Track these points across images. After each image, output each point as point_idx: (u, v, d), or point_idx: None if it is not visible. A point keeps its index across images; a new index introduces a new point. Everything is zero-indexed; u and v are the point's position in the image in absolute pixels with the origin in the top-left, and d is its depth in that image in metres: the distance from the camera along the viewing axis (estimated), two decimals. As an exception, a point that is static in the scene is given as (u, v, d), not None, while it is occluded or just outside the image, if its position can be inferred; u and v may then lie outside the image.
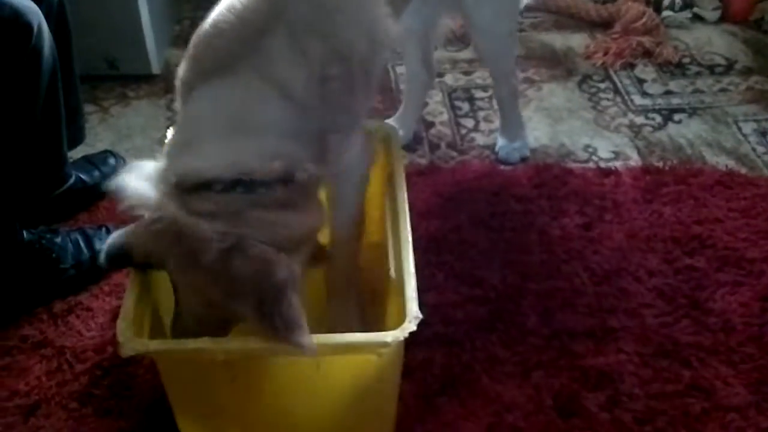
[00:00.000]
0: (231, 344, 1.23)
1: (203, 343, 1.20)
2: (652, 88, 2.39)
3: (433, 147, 2.18)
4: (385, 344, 1.22)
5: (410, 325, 1.23)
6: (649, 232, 1.86)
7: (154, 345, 1.24)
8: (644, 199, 1.96)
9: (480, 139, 2.21)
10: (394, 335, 1.22)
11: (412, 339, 1.22)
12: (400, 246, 1.38)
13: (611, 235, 1.86)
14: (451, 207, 1.95)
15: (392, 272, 1.39)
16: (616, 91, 2.38)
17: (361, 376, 1.29)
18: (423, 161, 2.13)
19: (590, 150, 2.16)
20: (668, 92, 2.37)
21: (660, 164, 2.08)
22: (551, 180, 2.03)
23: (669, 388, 1.53)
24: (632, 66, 2.49)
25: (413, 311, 1.25)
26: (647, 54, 2.52)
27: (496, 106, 2.32)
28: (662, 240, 1.84)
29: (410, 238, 1.38)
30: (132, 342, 1.20)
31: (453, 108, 2.33)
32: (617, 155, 2.13)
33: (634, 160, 2.11)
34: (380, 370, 1.29)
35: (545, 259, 1.80)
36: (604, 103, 2.34)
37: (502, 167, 2.09)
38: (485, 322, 1.66)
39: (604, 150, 2.15)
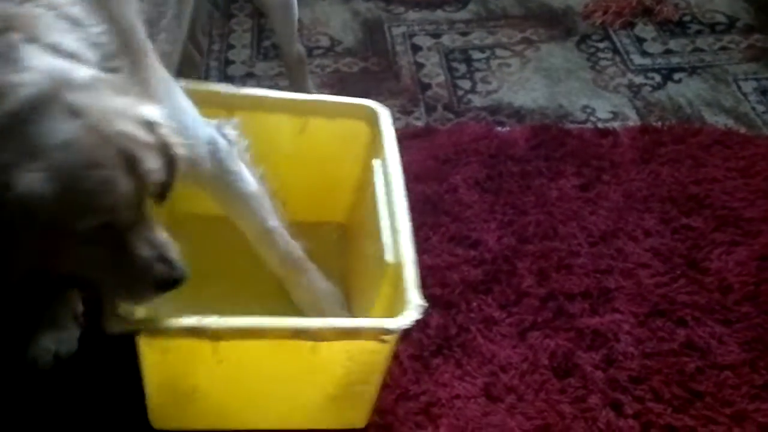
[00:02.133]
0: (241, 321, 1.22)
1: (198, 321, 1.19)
2: (652, 48, 2.37)
3: (430, 109, 2.17)
4: (388, 331, 1.23)
5: (414, 314, 1.24)
6: (646, 193, 1.86)
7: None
8: (642, 159, 1.95)
9: (477, 100, 2.19)
10: (398, 323, 1.23)
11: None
12: (398, 232, 1.37)
13: (608, 195, 1.85)
14: (447, 169, 1.94)
15: (389, 256, 1.37)
16: (615, 51, 2.35)
17: (355, 360, 1.29)
18: (419, 123, 2.11)
19: (588, 110, 2.14)
20: (668, 51, 2.35)
21: (658, 124, 2.06)
22: (549, 141, 2.01)
23: (664, 347, 1.53)
24: (632, 25, 2.46)
25: (417, 299, 1.26)
26: (647, 12, 2.49)
27: (493, 68, 2.30)
28: (659, 200, 1.83)
29: (409, 226, 1.38)
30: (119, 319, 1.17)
31: (450, 69, 2.31)
32: (616, 116, 2.12)
33: (633, 121, 2.09)
34: (376, 354, 1.29)
35: (542, 220, 1.79)
36: (603, 63, 2.31)
37: (498, 129, 2.07)
38: (481, 283, 1.66)
39: (602, 110, 2.14)
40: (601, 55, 2.34)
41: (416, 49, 2.39)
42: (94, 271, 1.10)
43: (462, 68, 2.31)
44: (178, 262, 1.11)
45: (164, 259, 1.10)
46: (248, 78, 2.30)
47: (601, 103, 2.16)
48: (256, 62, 2.36)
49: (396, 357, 1.42)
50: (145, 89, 1.18)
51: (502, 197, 1.85)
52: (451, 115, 2.14)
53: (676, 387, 1.46)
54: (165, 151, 1.09)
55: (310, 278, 1.52)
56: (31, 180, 0.94)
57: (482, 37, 2.41)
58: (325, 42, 2.43)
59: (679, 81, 2.23)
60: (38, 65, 0.99)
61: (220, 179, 1.40)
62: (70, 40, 1.06)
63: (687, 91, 2.19)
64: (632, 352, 1.52)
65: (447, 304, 1.61)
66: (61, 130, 0.97)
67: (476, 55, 2.36)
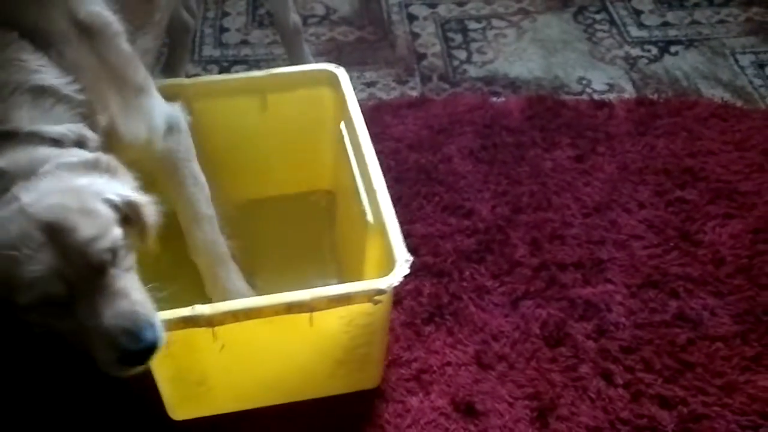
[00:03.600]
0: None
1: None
2: (649, 20, 2.35)
3: (425, 79, 2.15)
4: (380, 291, 1.22)
5: (403, 269, 1.23)
6: (641, 165, 1.85)
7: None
8: (637, 131, 1.94)
9: (473, 71, 2.17)
10: (389, 281, 1.22)
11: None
12: (373, 190, 1.36)
13: (603, 167, 1.84)
14: (442, 139, 1.93)
15: (369, 217, 1.37)
16: (612, 23, 2.33)
17: (354, 324, 1.29)
18: (414, 93, 2.10)
19: (584, 82, 2.12)
20: (665, 24, 2.33)
21: (654, 97, 2.05)
22: (544, 112, 2.00)
23: (656, 318, 1.53)
24: (629, -3, 2.44)
25: (403, 254, 1.25)
26: (645, -16, 2.46)
27: (489, 38, 2.28)
28: (654, 172, 1.83)
29: (383, 182, 1.37)
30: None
31: (446, 40, 2.29)
32: (612, 87, 2.10)
33: (629, 93, 2.08)
34: (372, 316, 1.29)
35: (536, 190, 1.78)
36: (600, 34, 2.29)
37: (493, 99, 2.06)
38: (474, 252, 1.65)
39: (598, 82, 2.12)
40: (597, 26, 2.32)
41: (412, 18, 2.37)
42: (65, 337, 1.07)
43: (458, 38, 2.29)
44: (147, 332, 1.05)
45: (129, 331, 1.04)
46: (243, 45, 2.28)
47: (598, 74, 2.15)
48: (251, 30, 2.34)
49: (390, 325, 1.42)
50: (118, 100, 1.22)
51: (497, 167, 1.84)
52: (446, 86, 2.12)
53: (667, 357, 1.46)
54: (134, 214, 1.12)
55: (229, 274, 1.48)
56: None
57: (478, 7, 2.39)
58: (320, 10, 2.41)
59: (676, 54, 2.21)
60: (7, 164, 1.05)
61: (171, 157, 1.38)
62: (47, 121, 1.11)
63: (684, 63, 2.17)
64: (624, 323, 1.52)
65: (440, 273, 1.61)
66: None
67: (472, 25, 2.34)
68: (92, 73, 1.19)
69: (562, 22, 2.34)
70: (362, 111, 1.94)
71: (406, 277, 1.23)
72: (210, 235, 1.45)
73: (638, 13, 2.37)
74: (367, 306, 1.24)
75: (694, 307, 1.55)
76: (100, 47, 1.22)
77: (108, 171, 1.11)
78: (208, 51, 2.27)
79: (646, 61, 2.19)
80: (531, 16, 2.36)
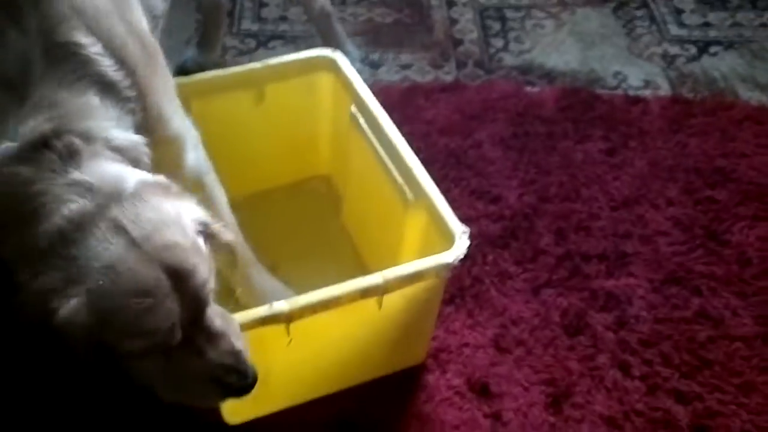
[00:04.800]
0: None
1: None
2: (690, 19, 2.33)
3: (460, 64, 2.15)
4: (447, 266, 1.23)
5: (464, 240, 1.24)
6: (672, 162, 1.84)
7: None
8: (671, 129, 1.93)
9: (509, 59, 2.17)
10: (454, 254, 1.23)
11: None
12: (408, 168, 1.36)
13: (634, 162, 1.84)
14: (474, 125, 1.93)
15: (410, 195, 1.37)
16: (653, 20, 2.31)
17: (416, 301, 1.30)
18: (448, 78, 2.10)
19: (620, 77, 2.11)
20: (706, 24, 2.31)
21: (690, 96, 2.04)
22: (578, 104, 1.99)
23: (677, 314, 1.53)
24: (671, -5, 2.42)
25: (460, 227, 1.26)
26: (688, -17, 2.44)
27: (528, 28, 2.28)
28: (685, 170, 1.82)
29: (416, 159, 1.38)
30: None
31: (483, 27, 2.28)
32: (647, 84, 2.09)
33: (665, 90, 2.07)
34: (433, 291, 1.31)
35: (564, 181, 1.78)
36: (639, 30, 2.28)
37: (528, 88, 2.05)
38: (499, 238, 1.66)
39: (634, 78, 2.11)
40: (637, 22, 2.30)
41: (451, 4, 2.36)
42: (153, 381, 1.02)
43: (496, 26, 2.29)
44: (251, 369, 1.03)
45: (236, 370, 1.01)
46: (281, 21, 2.30)
47: (634, 70, 2.13)
48: (290, 6, 2.35)
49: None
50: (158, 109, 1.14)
51: (527, 156, 1.84)
52: (481, 72, 2.12)
53: (685, 353, 1.46)
54: (211, 240, 1.04)
55: (261, 274, 1.46)
56: (72, 308, 0.91)
57: (519, -5, 2.39)
58: (360, -10, 2.42)
59: (715, 54, 2.19)
60: (86, 177, 0.96)
61: (196, 170, 1.30)
62: (117, 128, 1.03)
63: (722, 64, 2.15)
64: (644, 317, 1.52)
65: (463, 256, 1.61)
66: (103, 250, 0.92)
67: (511, 14, 2.34)
68: (138, 63, 1.11)
69: (602, 17, 2.32)
70: (395, 93, 1.98)
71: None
72: (240, 242, 1.40)
73: (679, 11, 2.35)
74: (429, 282, 1.25)
75: (717, 305, 1.54)
76: (139, 27, 1.16)
77: (178, 194, 1.03)
78: (247, 25, 2.28)
79: (684, 60, 2.17)
80: (570, 9, 2.35)
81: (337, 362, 1.35)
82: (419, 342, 1.42)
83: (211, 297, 1.00)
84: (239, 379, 1.01)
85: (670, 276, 1.59)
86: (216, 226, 1.04)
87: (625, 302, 1.54)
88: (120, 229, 0.93)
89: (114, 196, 0.95)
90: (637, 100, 2.01)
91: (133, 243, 0.93)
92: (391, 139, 1.42)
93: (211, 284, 0.99)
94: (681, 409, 1.38)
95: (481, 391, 1.40)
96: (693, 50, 2.21)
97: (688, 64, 2.16)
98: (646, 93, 2.05)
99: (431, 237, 1.33)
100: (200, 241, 1.00)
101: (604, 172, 1.81)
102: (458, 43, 2.22)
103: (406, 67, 2.14)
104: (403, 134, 1.44)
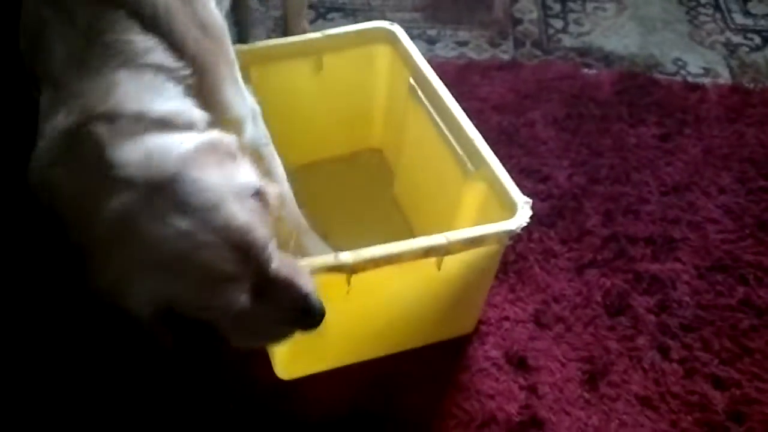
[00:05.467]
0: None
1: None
2: (757, 8, 2.28)
3: (518, 44, 2.15)
4: (509, 233, 1.26)
5: (527, 210, 1.28)
6: (727, 151, 1.82)
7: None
8: (728, 117, 1.91)
9: (567, 40, 2.16)
10: (518, 222, 1.26)
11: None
12: (469, 139, 1.38)
13: (687, 149, 1.83)
14: (528, 104, 1.93)
15: (470, 166, 1.39)
16: (717, 8, 2.28)
17: (473, 268, 1.32)
18: (505, 56, 2.10)
19: (680, 63, 2.09)
20: (773, 14, 2.27)
21: (750, 86, 2.01)
22: (634, 88, 1.98)
23: (720, 301, 1.52)
24: (739, -17, 2.37)
25: (522, 197, 1.29)
26: (757, -27, 2.39)
27: (588, 10, 2.27)
28: (739, 160, 1.80)
29: (476, 130, 1.40)
30: None
31: (544, 7, 2.28)
32: (707, 72, 2.07)
33: (724, 79, 2.04)
34: (491, 259, 1.34)
35: (616, 164, 1.78)
36: (703, 18, 2.25)
37: (585, 71, 2.05)
38: (546, 217, 1.67)
39: (694, 65, 2.09)
40: (701, 10, 2.27)
41: (513, -17, 2.36)
42: (223, 333, 1.03)
43: (556, 7, 2.28)
44: (319, 307, 1.04)
45: (306, 312, 1.04)
46: None
47: (694, 57, 2.11)
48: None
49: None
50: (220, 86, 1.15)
51: (579, 137, 1.84)
52: (538, 52, 2.12)
53: (726, 340, 1.46)
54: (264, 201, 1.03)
55: (315, 243, 1.48)
56: (142, 297, 0.93)
57: (581, -22, 2.37)
58: (421, -34, 2.42)
59: (780, 45, 2.16)
60: (139, 156, 0.93)
61: (254, 143, 1.30)
62: (170, 103, 1.01)
63: (786, 56, 2.12)
64: (687, 302, 1.52)
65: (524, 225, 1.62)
66: (164, 234, 0.91)
67: (573, -5, 2.33)
68: (199, 45, 1.11)
69: (665, 2, 2.30)
70: (451, 69, 2.00)
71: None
72: (293, 210, 1.45)
73: (746, 0, 2.31)
74: (489, 248, 1.28)
75: (762, 295, 1.53)
76: (203, 14, 1.15)
77: (229, 154, 1.00)
78: (309, -5, 2.31)
79: (747, 49, 2.14)
80: (634, -7, 2.33)
81: (391, 324, 1.37)
82: (471, 311, 1.45)
83: (275, 254, 1.00)
84: (308, 318, 1.04)
85: (717, 263, 1.59)
86: (268, 188, 1.04)
87: (669, 286, 1.54)
88: (182, 208, 0.92)
89: (163, 176, 0.92)
90: (695, 87, 1.99)
91: (192, 222, 0.91)
92: (451, 111, 1.44)
93: (273, 244, 1.00)
94: (718, 395, 1.38)
95: (519, 364, 1.42)
96: (757, 40, 2.17)
97: (751, 54, 2.12)
98: (705, 80, 2.03)
99: (489, 209, 1.35)
100: (256, 203, 0.99)
101: (656, 157, 1.80)
102: (517, 22, 2.22)
103: (463, 44, 2.15)
104: (457, 109, 1.46)
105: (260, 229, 0.97)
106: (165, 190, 0.92)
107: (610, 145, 1.83)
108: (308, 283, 1.05)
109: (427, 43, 2.15)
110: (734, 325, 1.48)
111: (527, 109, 1.92)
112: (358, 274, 1.21)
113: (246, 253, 0.95)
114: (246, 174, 1.00)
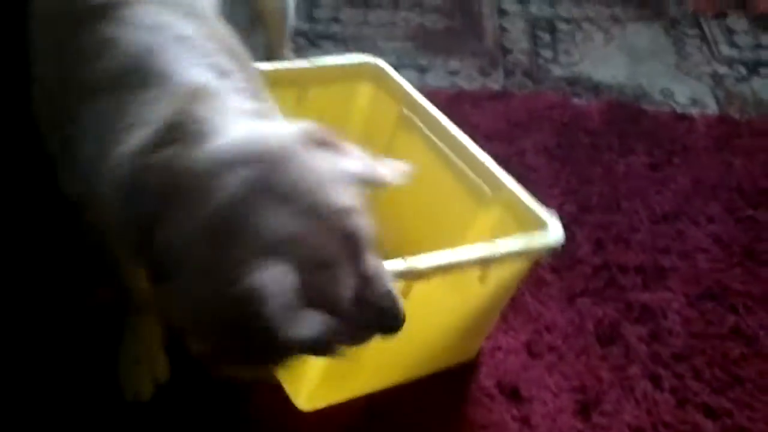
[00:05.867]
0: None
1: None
2: (742, 40, 2.33)
3: (508, 73, 2.18)
4: (549, 248, 1.28)
5: (559, 228, 1.29)
6: (715, 181, 1.85)
7: None
8: (716, 147, 1.93)
9: (557, 70, 2.19)
10: (556, 239, 1.28)
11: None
12: (482, 163, 1.39)
13: (676, 178, 1.85)
14: (518, 133, 1.95)
15: (486, 189, 1.39)
16: (704, 39, 2.32)
17: (509, 285, 1.34)
18: (495, 86, 2.13)
19: (667, 94, 2.12)
20: (758, 46, 2.31)
21: (737, 116, 2.04)
22: (624, 118, 2.01)
23: (711, 330, 1.54)
24: (724, 15, 2.41)
25: (551, 216, 1.31)
26: (742, 5, 2.44)
27: (577, 40, 2.30)
28: (728, 189, 1.82)
29: (486, 155, 1.40)
30: None
31: (534, 37, 2.31)
32: (695, 102, 2.10)
33: (712, 110, 2.08)
34: (515, 278, 1.34)
35: (606, 193, 1.80)
36: (689, 49, 2.28)
37: (575, 100, 2.07)
38: (537, 245, 1.68)
39: (681, 95, 2.12)
40: (688, 41, 2.31)
41: (503, 13, 2.39)
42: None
43: (546, 37, 2.31)
44: (402, 308, 0.97)
45: (391, 310, 0.96)
46: (333, 23, 2.34)
47: (682, 88, 2.14)
48: (343, 7, 2.40)
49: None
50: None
51: (570, 166, 1.86)
52: (528, 82, 2.15)
53: (717, 369, 1.47)
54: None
55: None
56: (260, 280, 0.83)
57: (570, 9, 2.41)
58: (414, -4, 2.45)
59: (765, 77, 2.19)
60: (228, 149, 0.88)
61: None
62: (240, 98, 0.98)
63: (772, 86, 2.15)
64: (678, 331, 1.53)
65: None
66: (273, 224, 0.85)
67: (562, 26, 2.36)
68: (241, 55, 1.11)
69: (653, 33, 2.34)
70: (442, 99, 2.00)
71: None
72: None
73: (731, 32, 2.36)
74: (524, 265, 1.30)
75: (751, 324, 1.55)
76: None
77: (330, 143, 0.95)
78: (298, 24, 2.33)
79: (734, 80, 2.18)
80: (621, 24, 2.37)
81: (425, 343, 1.33)
82: (483, 334, 1.44)
83: (373, 247, 0.94)
84: (393, 318, 0.96)
85: (707, 292, 1.60)
86: (377, 171, 0.98)
87: (660, 315, 1.56)
88: (283, 198, 0.86)
89: (265, 161, 0.87)
90: (683, 118, 2.02)
91: (301, 211, 0.86)
92: (455, 137, 1.43)
93: (373, 238, 0.94)
94: (710, 424, 1.39)
95: (512, 394, 1.42)
96: (743, 71, 2.21)
97: (737, 85, 2.16)
98: (693, 111, 2.06)
99: (503, 232, 1.30)
100: (360, 191, 0.93)
101: (646, 186, 1.82)
102: (507, 52, 2.25)
103: (453, 73, 2.17)
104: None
105: (365, 222, 0.91)
106: (273, 174, 0.86)
107: (600, 174, 1.85)
108: (390, 282, 0.97)
109: (418, 72, 2.17)
110: (725, 354, 1.50)
111: (518, 137, 1.94)
112: (416, 285, 1.16)
113: (353, 245, 0.89)
114: (352, 162, 0.95)
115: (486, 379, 1.45)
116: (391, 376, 1.39)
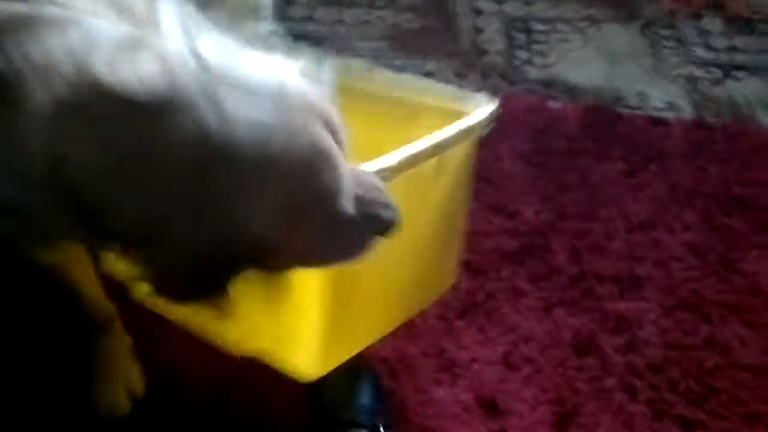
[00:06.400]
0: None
1: None
2: (717, 42, 2.33)
3: (485, 75, 2.16)
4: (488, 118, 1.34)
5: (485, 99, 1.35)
6: (691, 187, 1.85)
7: None
8: (692, 153, 1.94)
9: (533, 72, 2.18)
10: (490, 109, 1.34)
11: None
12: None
13: (652, 185, 1.85)
14: (494, 138, 1.91)
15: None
16: (679, 41, 2.32)
17: (464, 167, 1.35)
18: (472, 88, 2.11)
19: (643, 97, 2.12)
20: (733, 48, 2.31)
21: (713, 121, 2.05)
22: (600, 123, 2.01)
23: (686, 340, 1.54)
24: (699, 16, 2.42)
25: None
26: (717, 6, 2.44)
27: (553, 42, 2.29)
28: (703, 196, 1.83)
29: None
30: None
31: (509, 38, 2.30)
32: (670, 106, 2.10)
33: (687, 113, 2.08)
34: (470, 158, 1.37)
35: (582, 200, 1.80)
36: (665, 51, 2.28)
37: (551, 104, 2.07)
38: (514, 254, 1.67)
39: (657, 99, 2.12)
40: (664, 42, 2.31)
41: (478, 12, 2.38)
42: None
43: (521, 38, 2.30)
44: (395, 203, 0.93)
45: (383, 203, 0.92)
46: (308, 21, 2.31)
47: (658, 91, 2.14)
48: (317, 6, 2.37)
49: (424, 315, 1.47)
50: None
51: (546, 172, 1.86)
52: (505, 84, 2.13)
53: (693, 381, 1.48)
54: None
55: None
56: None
57: (546, 9, 2.40)
58: (388, -6, 2.43)
59: (740, 80, 2.20)
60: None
61: None
62: None
63: (746, 90, 2.16)
64: (654, 341, 1.53)
65: (477, 271, 1.63)
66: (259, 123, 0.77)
67: (537, 26, 2.35)
68: None
69: (629, 34, 2.33)
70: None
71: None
72: None
73: (706, 33, 2.36)
74: (466, 149, 1.33)
75: (725, 334, 1.55)
76: None
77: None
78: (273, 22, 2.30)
79: (709, 83, 2.18)
80: (597, 25, 2.36)
81: (399, 268, 1.29)
82: (450, 250, 1.43)
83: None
84: (388, 212, 0.92)
85: (682, 302, 1.61)
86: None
87: (636, 326, 1.56)
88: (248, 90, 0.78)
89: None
90: (659, 122, 2.02)
91: (276, 102, 0.78)
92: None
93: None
94: (686, 437, 1.40)
95: (489, 407, 1.42)
96: (718, 74, 2.21)
97: (713, 88, 2.17)
98: (669, 115, 2.06)
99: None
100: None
101: (622, 193, 1.82)
102: (483, 53, 2.24)
103: (429, 75, 2.15)
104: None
105: (329, 104, 0.85)
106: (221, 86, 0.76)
107: (576, 180, 1.85)
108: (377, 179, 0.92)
109: (397, 72, 2.14)
110: (700, 365, 1.50)
111: (493, 143, 1.91)
112: None
113: (335, 135, 0.83)
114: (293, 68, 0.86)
115: (463, 392, 1.44)
116: (385, 322, 1.36)
